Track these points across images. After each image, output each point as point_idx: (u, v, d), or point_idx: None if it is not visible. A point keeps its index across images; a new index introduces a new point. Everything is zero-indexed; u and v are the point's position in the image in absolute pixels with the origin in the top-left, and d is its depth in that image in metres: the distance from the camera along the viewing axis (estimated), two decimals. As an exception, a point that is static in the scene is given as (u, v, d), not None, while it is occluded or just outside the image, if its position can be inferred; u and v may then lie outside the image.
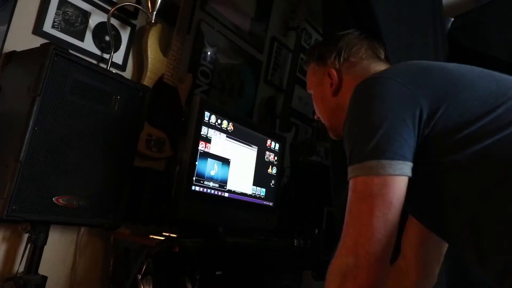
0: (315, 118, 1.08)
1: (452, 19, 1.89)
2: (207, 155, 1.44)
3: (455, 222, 0.69)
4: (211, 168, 1.46)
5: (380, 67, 0.94)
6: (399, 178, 0.66)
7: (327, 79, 0.96)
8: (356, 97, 0.75)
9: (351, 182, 0.69)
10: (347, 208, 0.69)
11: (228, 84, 1.88)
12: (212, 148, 1.46)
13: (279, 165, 1.86)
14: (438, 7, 1.69)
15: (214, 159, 1.48)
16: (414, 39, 1.42)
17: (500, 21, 1.68)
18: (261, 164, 1.74)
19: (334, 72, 0.95)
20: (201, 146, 1.41)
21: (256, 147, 1.72)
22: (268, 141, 1.80)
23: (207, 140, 1.44)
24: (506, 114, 0.66)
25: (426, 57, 1.51)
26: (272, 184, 1.81)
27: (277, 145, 1.85)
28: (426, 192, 0.71)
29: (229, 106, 1.90)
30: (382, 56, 0.99)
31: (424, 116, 0.67)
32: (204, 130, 1.43)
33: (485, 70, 0.77)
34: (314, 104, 1.05)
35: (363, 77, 0.89)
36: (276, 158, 1.84)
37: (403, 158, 0.66)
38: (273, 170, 1.82)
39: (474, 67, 0.77)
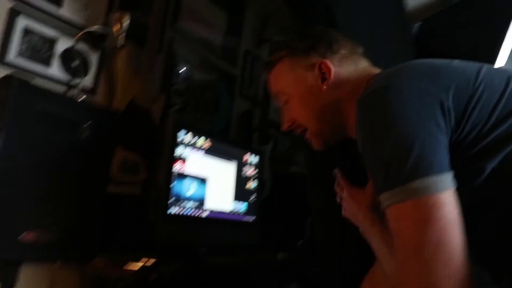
0: (284, 128, 0.93)
1: (419, 23, 1.93)
2: (183, 175, 1.42)
3: (484, 227, 0.63)
4: (188, 188, 1.44)
5: (366, 64, 0.88)
6: (452, 191, 0.57)
7: (315, 72, 0.84)
8: (373, 111, 0.65)
9: (394, 210, 0.59)
10: (401, 242, 0.58)
11: (202, 101, 1.87)
12: (189, 168, 1.45)
13: (259, 178, 1.85)
14: (402, 12, 1.72)
15: (191, 178, 1.46)
16: (379, 46, 1.44)
17: (465, 23, 1.72)
18: (240, 179, 1.74)
19: (329, 64, 0.83)
20: (177, 167, 1.40)
21: (235, 162, 1.71)
22: (247, 155, 1.79)
23: (183, 159, 1.43)
24: None
25: (393, 64, 1.54)
26: (253, 199, 1.80)
27: (256, 158, 1.85)
28: None
29: (205, 123, 1.89)
30: (363, 53, 0.91)
31: (453, 121, 0.61)
32: (179, 150, 1.42)
33: (494, 67, 0.71)
34: (291, 108, 0.89)
35: (357, 73, 0.84)
36: (255, 171, 1.83)
37: (449, 168, 0.58)
38: (253, 184, 1.81)
39: (483, 64, 0.70)
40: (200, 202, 1.50)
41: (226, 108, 2.03)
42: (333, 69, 0.84)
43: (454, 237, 0.54)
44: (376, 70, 0.87)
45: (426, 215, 0.55)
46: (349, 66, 0.86)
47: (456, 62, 0.70)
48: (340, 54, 0.86)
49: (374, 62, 1.45)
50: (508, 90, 0.64)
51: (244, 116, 2.11)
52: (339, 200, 0.92)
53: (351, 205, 0.86)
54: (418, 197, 0.56)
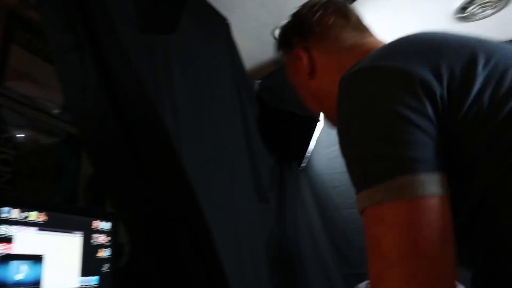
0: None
1: (259, 81, 2.13)
2: (9, 257, 1.24)
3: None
4: (16, 272, 1.25)
5: (354, 34, 0.79)
6: (442, 197, 0.47)
7: (299, 62, 0.83)
8: (349, 96, 0.56)
9: (371, 212, 0.49)
10: (377, 252, 0.47)
11: (40, 168, 1.70)
12: (17, 248, 1.27)
13: (113, 245, 1.72)
14: (240, 71, 1.88)
15: (21, 260, 1.27)
16: (218, 108, 1.53)
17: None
18: (89, 250, 1.58)
19: (301, 52, 0.82)
20: (0, 249, 1.21)
21: (80, 232, 1.56)
22: (96, 222, 1.66)
23: (8, 240, 1.24)
24: None
25: (234, 122, 1.65)
26: (107, 269, 1.65)
27: (107, 224, 1.72)
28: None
29: (45, 193, 1.70)
30: (356, 21, 0.81)
31: (446, 104, 0.51)
32: (2, 230, 1.23)
33: (499, 44, 0.60)
34: (303, 98, 0.93)
35: (337, 50, 0.78)
36: (108, 238, 1.70)
37: (440, 168, 0.48)
38: (105, 253, 1.67)
39: (488, 39, 0.60)
40: (35, 286, 1.31)
41: (72, 173, 1.87)
42: (306, 56, 0.82)
43: (444, 251, 0.45)
44: (375, 43, 0.76)
45: (409, 220, 0.45)
46: (328, 43, 0.80)
47: (450, 34, 0.61)
48: (314, 34, 0.81)
49: (216, 119, 1.50)
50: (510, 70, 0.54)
51: (95, 179, 1.97)
52: None
53: None
54: (400, 198, 0.46)
